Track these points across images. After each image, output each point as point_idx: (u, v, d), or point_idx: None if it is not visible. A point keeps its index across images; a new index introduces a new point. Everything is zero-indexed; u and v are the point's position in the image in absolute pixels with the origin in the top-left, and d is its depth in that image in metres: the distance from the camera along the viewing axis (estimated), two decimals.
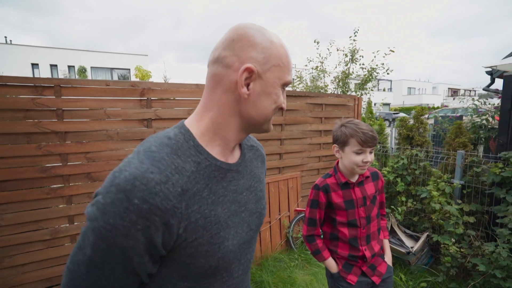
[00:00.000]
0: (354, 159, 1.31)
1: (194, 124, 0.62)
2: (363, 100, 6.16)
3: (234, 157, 0.68)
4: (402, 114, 15.97)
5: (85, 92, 2.12)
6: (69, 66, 19.99)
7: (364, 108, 6.37)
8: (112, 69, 21.40)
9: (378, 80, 35.99)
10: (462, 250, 2.48)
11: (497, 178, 2.49)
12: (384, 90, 36.44)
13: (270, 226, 3.06)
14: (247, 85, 0.59)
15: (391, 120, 22.34)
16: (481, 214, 2.67)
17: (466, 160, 2.78)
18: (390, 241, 3.07)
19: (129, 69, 19.89)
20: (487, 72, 6.47)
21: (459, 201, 2.78)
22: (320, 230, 1.48)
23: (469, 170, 2.81)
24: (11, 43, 19.90)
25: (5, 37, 20.32)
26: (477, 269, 2.24)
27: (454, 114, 7.59)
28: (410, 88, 39.00)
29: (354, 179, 1.40)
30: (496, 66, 2.61)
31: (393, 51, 5.61)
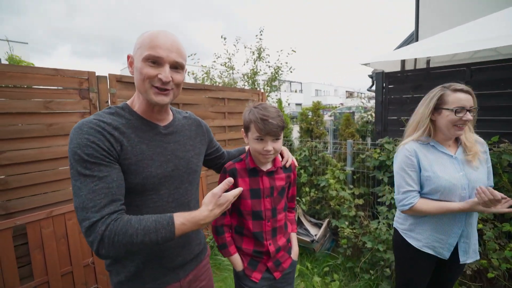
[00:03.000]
0: (255, 146, 1.22)
1: (131, 99, 0.99)
2: (272, 98, 6.40)
3: (164, 121, 1.02)
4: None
5: None
6: None
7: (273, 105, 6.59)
8: None
9: (290, 82, 39.42)
10: (354, 230, 2.69)
11: (377, 162, 2.80)
12: (295, 91, 40.11)
13: None
14: (132, 66, 0.93)
15: None
16: (368, 195, 2.98)
17: (354, 148, 3.07)
18: (297, 232, 3.13)
19: None
20: (369, 76, 7.69)
21: (351, 186, 3.04)
22: (230, 220, 1.36)
23: (357, 157, 3.11)
24: None
25: None
26: (365, 246, 2.45)
27: (349, 111, 8.87)
28: (317, 90, 44.12)
29: (265, 167, 1.29)
30: (369, 63, 2.96)
31: (295, 51, 6.02)
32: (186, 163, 1.03)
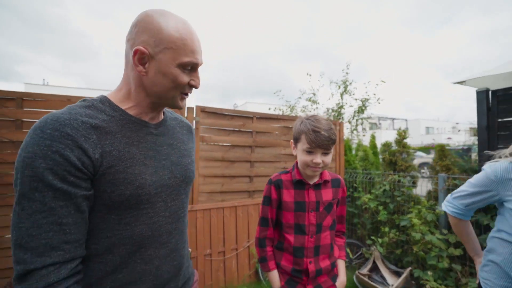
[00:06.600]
0: (304, 158, 1.19)
1: (114, 93, 0.77)
2: (358, 131, 6.04)
3: (154, 120, 0.81)
4: (419, 153, 15.33)
5: (46, 105, 2.23)
6: None
7: (361, 141, 6.19)
8: None
9: (393, 119, 35.53)
10: None
11: None
12: (400, 129, 35.64)
13: (237, 253, 2.83)
14: (144, 65, 0.70)
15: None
16: None
17: (447, 184, 2.53)
18: (372, 278, 2.71)
19: None
20: None
21: (445, 231, 2.47)
22: (273, 233, 1.33)
23: None
24: (48, 85, 22.30)
25: (43, 79, 23.00)
26: None
27: (461, 147, 7.23)
28: (428, 127, 38.06)
29: (312, 180, 1.26)
30: (464, 81, 2.49)
31: (384, 82, 5.64)
32: (184, 170, 0.85)
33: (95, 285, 0.68)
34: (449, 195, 1.26)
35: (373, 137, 6.37)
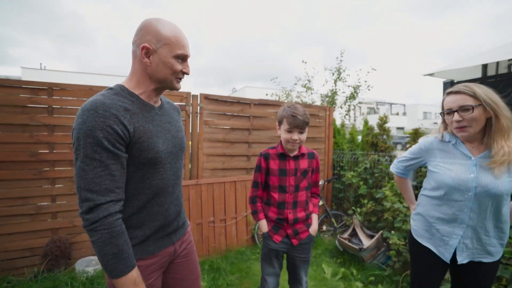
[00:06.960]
0: (285, 136, 1.58)
1: (127, 82, 0.99)
2: (351, 116, 6.42)
3: (157, 104, 1.07)
4: None
5: (73, 94, 2.60)
6: None
7: (356, 126, 6.57)
8: None
9: (391, 104, 35.75)
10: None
11: None
12: (397, 114, 36.11)
13: (236, 221, 3.30)
14: (149, 57, 0.94)
15: (404, 143, 21.81)
16: None
17: None
18: (351, 241, 3.20)
19: None
20: None
21: None
22: (262, 193, 1.73)
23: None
24: (45, 69, 22.25)
25: (40, 63, 22.79)
26: None
27: None
28: (426, 112, 38.37)
29: (292, 153, 1.65)
30: (433, 73, 2.84)
31: (375, 70, 5.95)
32: (180, 141, 1.12)
33: (124, 221, 0.92)
34: (396, 159, 1.67)
35: (366, 122, 6.77)
